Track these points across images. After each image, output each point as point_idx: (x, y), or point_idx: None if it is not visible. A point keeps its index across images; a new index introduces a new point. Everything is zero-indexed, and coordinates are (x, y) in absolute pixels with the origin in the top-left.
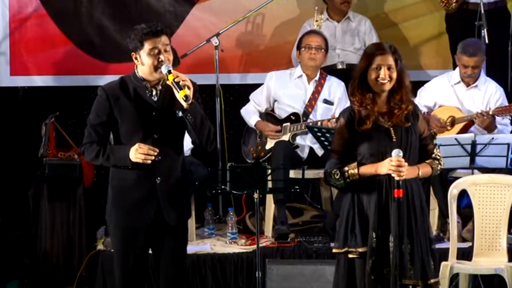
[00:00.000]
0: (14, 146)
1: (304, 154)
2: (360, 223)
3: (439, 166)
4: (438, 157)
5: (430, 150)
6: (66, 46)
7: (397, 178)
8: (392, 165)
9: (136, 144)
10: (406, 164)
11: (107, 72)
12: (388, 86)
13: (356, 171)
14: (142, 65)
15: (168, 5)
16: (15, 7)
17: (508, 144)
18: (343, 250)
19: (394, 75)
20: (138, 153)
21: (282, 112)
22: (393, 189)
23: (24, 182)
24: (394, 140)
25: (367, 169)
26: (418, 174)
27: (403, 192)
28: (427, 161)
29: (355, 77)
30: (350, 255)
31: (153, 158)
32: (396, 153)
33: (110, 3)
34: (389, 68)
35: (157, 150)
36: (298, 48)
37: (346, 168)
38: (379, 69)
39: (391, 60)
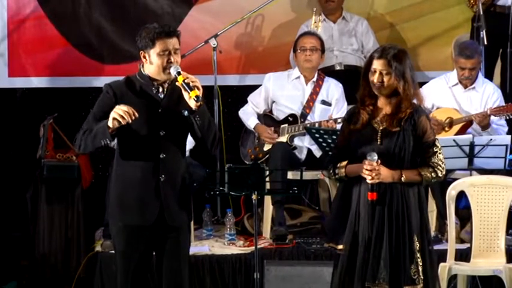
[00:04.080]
0: (12, 148)
1: (302, 155)
2: (343, 221)
3: (434, 174)
4: (435, 165)
5: (427, 157)
6: (64, 47)
7: (369, 181)
8: (364, 168)
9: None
10: (380, 168)
11: (105, 73)
12: (383, 90)
13: (343, 169)
14: (151, 64)
15: (166, 6)
16: (14, 8)
17: (506, 146)
18: (327, 245)
19: (388, 80)
20: (118, 109)
21: (280, 113)
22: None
23: (23, 184)
24: (378, 143)
25: (354, 169)
26: (399, 179)
27: (377, 196)
28: (419, 168)
29: (361, 77)
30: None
31: (129, 119)
32: (370, 157)
33: (108, 5)
34: (381, 73)
35: (136, 114)
36: (294, 50)
37: (337, 165)
38: (374, 73)
39: (383, 65)
